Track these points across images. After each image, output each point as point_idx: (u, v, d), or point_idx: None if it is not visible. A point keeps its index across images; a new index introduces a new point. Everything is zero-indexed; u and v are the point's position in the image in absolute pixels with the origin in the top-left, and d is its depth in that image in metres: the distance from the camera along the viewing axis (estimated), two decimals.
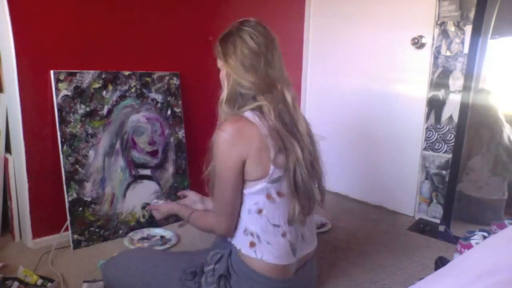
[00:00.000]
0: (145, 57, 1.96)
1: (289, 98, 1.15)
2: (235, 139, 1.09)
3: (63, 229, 1.74)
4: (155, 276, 1.19)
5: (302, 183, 1.12)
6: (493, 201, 2.10)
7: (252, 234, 1.13)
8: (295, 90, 2.90)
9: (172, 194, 2.04)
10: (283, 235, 1.13)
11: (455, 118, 2.02)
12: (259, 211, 1.12)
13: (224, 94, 1.16)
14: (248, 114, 1.12)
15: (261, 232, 1.12)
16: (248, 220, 1.13)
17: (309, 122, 1.24)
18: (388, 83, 2.29)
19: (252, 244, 1.13)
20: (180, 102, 2.06)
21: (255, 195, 1.12)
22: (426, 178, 2.18)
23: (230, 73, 1.14)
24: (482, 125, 2.06)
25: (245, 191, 1.13)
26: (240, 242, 1.15)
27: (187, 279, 1.16)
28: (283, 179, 1.11)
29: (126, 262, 1.25)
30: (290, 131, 1.12)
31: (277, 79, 1.14)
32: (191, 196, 1.48)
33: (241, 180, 1.12)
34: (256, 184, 1.10)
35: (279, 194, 1.12)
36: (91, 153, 1.77)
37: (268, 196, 1.11)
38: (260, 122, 1.10)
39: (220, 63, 1.19)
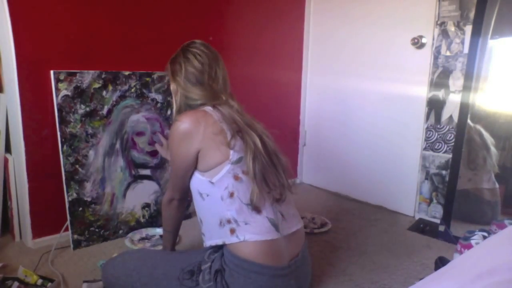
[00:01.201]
0: (145, 57, 1.96)
1: (235, 105, 1.27)
2: (186, 130, 1.21)
3: (63, 229, 1.74)
4: (153, 277, 1.20)
5: (263, 166, 1.20)
6: (487, 191, 2.10)
7: (229, 221, 1.16)
8: (295, 90, 2.91)
9: None
10: (258, 212, 1.18)
11: (455, 118, 2.02)
12: (231, 195, 1.16)
13: (175, 107, 1.33)
14: (205, 107, 1.26)
15: (237, 214, 1.16)
16: (222, 208, 1.17)
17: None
18: (388, 83, 2.29)
19: (232, 231, 1.16)
20: None
21: (223, 179, 1.17)
22: (426, 178, 2.18)
23: (178, 88, 1.30)
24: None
25: (213, 180, 1.18)
26: (219, 236, 1.19)
27: (185, 278, 1.17)
28: (244, 159, 1.19)
29: (124, 263, 1.27)
30: (245, 122, 1.24)
31: (221, 92, 1.29)
32: None
33: (190, 166, 1.24)
34: (221, 168, 1.17)
35: (244, 172, 1.18)
36: (91, 153, 1.77)
37: (236, 177, 1.18)
38: (212, 109, 1.24)
39: (171, 82, 1.34)
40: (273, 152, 1.25)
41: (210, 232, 1.24)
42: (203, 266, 1.18)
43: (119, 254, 1.37)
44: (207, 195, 1.21)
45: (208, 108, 1.25)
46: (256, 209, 1.17)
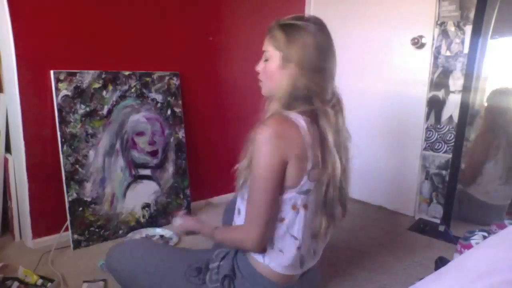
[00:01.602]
0: (145, 57, 1.96)
1: (344, 111, 1.11)
2: (279, 138, 1.00)
3: (63, 229, 1.74)
4: (159, 268, 1.16)
5: (331, 199, 1.09)
6: (498, 206, 2.10)
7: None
8: None
9: (172, 194, 2.04)
10: (298, 248, 1.09)
11: (455, 118, 2.02)
12: (281, 220, 1.07)
13: (279, 90, 1.05)
14: (296, 116, 1.03)
15: (277, 239, 1.08)
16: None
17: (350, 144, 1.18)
18: (388, 83, 2.29)
19: (264, 250, 1.09)
20: (180, 102, 2.06)
21: (281, 203, 1.06)
22: (426, 178, 2.18)
23: (291, 68, 1.03)
24: (500, 129, 2.02)
25: None
26: None
27: (192, 275, 1.13)
28: (312, 192, 1.06)
29: (132, 250, 1.22)
30: (336, 143, 1.07)
31: (329, 88, 1.08)
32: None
33: (280, 185, 1.02)
34: (285, 193, 1.04)
35: (305, 206, 1.07)
36: (91, 153, 1.77)
37: (294, 207, 1.06)
38: (305, 128, 1.02)
39: (273, 53, 1.07)
40: (341, 179, 1.12)
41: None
42: (211, 264, 1.14)
43: (127, 241, 1.32)
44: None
45: (301, 121, 1.03)
46: (301, 244, 1.09)
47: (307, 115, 1.04)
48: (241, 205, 1.15)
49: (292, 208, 1.06)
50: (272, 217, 1.05)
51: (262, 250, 1.07)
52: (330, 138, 1.05)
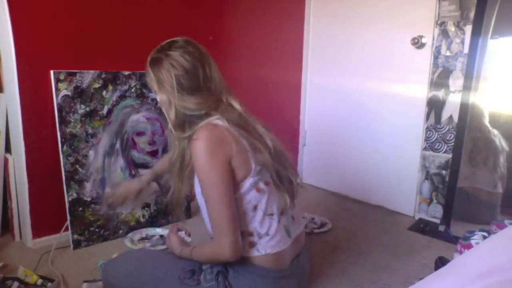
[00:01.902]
0: (145, 57, 1.94)
1: (237, 106, 1.17)
2: (215, 144, 1.08)
3: (63, 229, 1.74)
4: (154, 276, 1.19)
5: (282, 170, 1.18)
6: (485, 194, 2.10)
7: (250, 235, 1.14)
8: (295, 90, 2.91)
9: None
10: (279, 221, 1.16)
11: (455, 118, 2.02)
12: (254, 208, 1.14)
13: (171, 121, 1.14)
14: (216, 121, 1.12)
15: (259, 226, 1.14)
16: (245, 222, 1.14)
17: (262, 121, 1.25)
18: (388, 83, 2.29)
19: (252, 244, 1.14)
20: None
21: (246, 194, 1.13)
22: (426, 178, 2.18)
23: (171, 99, 1.12)
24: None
25: (236, 195, 1.12)
26: None
27: (186, 277, 1.16)
28: (264, 170, 1.14)
29: (125, 263, 1.26)
30: (250, 134, 1.14)
31: (219, 92, 1.16)
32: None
33: (231, 185, 1.09)
34: (244, 183, 1.12)
35: (266, 183, 1.15)
36: (91, 153, 1.77)
37: (258, 189, 1.14)
38: (228, 125, 1.11)
39: (156, 90, 1.17)
40: (280, 151, 1.21)
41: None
42: (204, 265, 1.18)
43: (119, 254, 1.36)
44: None
45: (219, 122, 1.12)
46: (279, 217, 1.16)
47: (220, 119, 1.12)
48: (208, 224, 1.19)
49: (257, 191, 1.13)
50: (235, 220, 1.08)
51: (237, 254, 1.09)
52: (247, 123, 1.14)
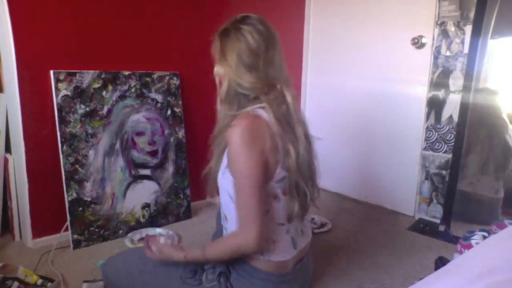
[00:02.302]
0: (145, 57, 1.96)
1: (289, 98, 1.12)
2: (253, 135, 1.04)
3: (63, 229, 1.74)
4: (155, 275, 1.18)
5: (301, 183, 1.13)
6: (486, 198, 2.10)
7: None
8: (295, 89, 2.90)
9: (172, 194, 2.04)
10: (287, 231, 1.15)
11: (455, 118, 2.02)
12: (266, 212, 1.10)
13: (222, 94, 1.12)
14: (259, 110, 1.08)
15: (267, 232, 1.10)
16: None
17: (307, 122, 1.22)
18: (388, 83, 2.29)
19: None
20: (180, 102, 2.06)
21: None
22: (426, 178, 2.18)
23: (229, 71, 1.10)
24: (480, 124, 2.05)
25: None
26: None
27: (188, 276, 1.16)
28: (286, 179, 1.10)
29: (125, 261, 1.25)
30: (288, 133, 1.10)
31: (276, 79, 1.12)
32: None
33: (265, 180, 1.05)
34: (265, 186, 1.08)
35: (284, 193, 1.11)
36: (91, 153, 1.77)
37: (275, 196, 1.10)
38: (270, 120, 1.07)
39: (218, 63, 1.15)
40: (308, 163, 1.16)
41: (231, 230, 1.17)
42: (206, 265, 1.17)
43: (119, 252, 1.36)
44: None
45: (263, 112, 1.08)
46: (288, 228, 1.14)
47: (265, 109, 1.08)
48: (226, 210, 1.17)
49: (273, 198, 1.10)
50: (263, 213, 1.06)
51: (260, 246, 1.07)
52: (280, 129, 1.07)
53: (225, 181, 1.13)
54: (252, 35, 1.10)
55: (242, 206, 1.06)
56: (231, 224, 1.18)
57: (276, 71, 1.12)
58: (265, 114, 1.08)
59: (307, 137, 1.19)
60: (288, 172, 1.09)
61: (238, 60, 1.09)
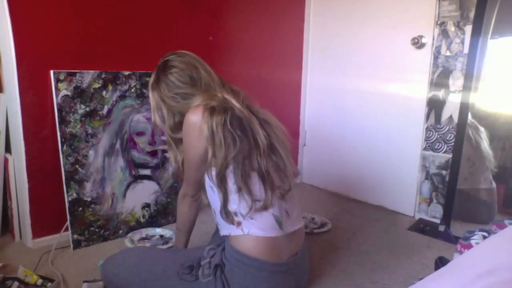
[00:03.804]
0: (145, 57, 1.96)
1: (232, 100, 1.23)
2: (201, 121, 1.18)
3: (63, 229, 1.74)
4: (153, 272, 1.21)
5: (271, 161, 1.21)
6: (484, 191, 2.11)
7: (236, 214, 1.17)
8: (295, 90, 2.89)
9: (172, 194, 2.04)
10: (265, 208, 1.18)
11: (455, 118, 2.02)
12: (239, 189, 1.16)
13: (168, 125, 1.32)
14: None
15: (243, 209, 1.16)
16: (231, 202, 1.18)
17: (270, 117, 1.31)
18: (388, 83, 2.29)
19: (238, 224, 1.18)
20: None
21: (231, 174, 1.16)
22: (426, 178, 2.18)
23: (172, 108, 1.30)
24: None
25: (225, 172, 1.17)
26: (228, 228, 1.20)
27: (185, 272, 1.18)
28: (252, 156, 1.18)
29: (124, 260, 1.27)
30: (244, 129, 1.20)
31: (210, 86, 1.28)
32: None
33: (204, 159, 1.21)
34: (228, 165, 1.16)
35: (252, 169, 1.18)
36: (91, 153, 1.77)
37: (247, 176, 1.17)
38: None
39: (156, 106, 1.33)
40: (277, 138, 1.25)
41: (221, 223, 1.24)
42: (203, 261, 1.19)
43: (118, 251, 1.37)
44: (217, 188, 1.20)
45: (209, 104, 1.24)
46: (264, 206, 1.17)
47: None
48: (213, 204, 1.27)
49: (247, 177, 1.18)
50: (193, 180, 1.31)
51: (184, 200, 1.38)
52: (248, 119, 1.21)
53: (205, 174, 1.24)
54: (177, 76, 1.29)
55: (184, 172, 1.33)
56: (218, 218, 1.24)
57: (210, 85, 1.29)
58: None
59: (266, 128, 1.25)
60: (251, 150, 1.18)
61: (177, 97, 1.28)
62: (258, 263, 1.16)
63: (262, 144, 1.19)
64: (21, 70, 1.62)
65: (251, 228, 1.17)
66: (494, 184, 2.09)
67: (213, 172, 1.18)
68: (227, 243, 1.20)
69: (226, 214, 1.18)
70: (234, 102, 1.22)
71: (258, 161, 1.18)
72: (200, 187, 1.32)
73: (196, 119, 1.19)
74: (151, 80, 1.35)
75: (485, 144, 2.07)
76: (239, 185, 1.16)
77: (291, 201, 1.27)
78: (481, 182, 2.12)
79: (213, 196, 1.24)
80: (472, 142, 2.07)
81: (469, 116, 2.01)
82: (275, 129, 1.27)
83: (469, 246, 1.54)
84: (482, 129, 2.07)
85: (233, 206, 1.18)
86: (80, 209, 1.75)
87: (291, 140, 1.33)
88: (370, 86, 2.37)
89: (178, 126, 1.30)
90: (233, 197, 1.17)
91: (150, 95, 1.34)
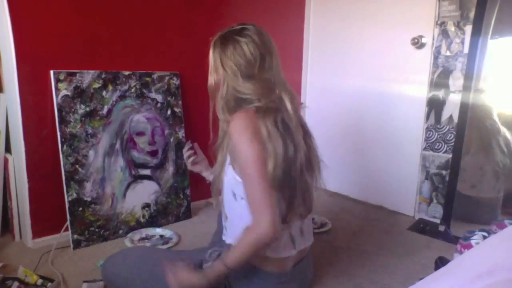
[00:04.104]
0: (145, 57, 1.96)
1: (287, 103, 1.13)
2: (254, 123, 1.07)
3: (63, 229, 1.74)
4: (154, 273, 1.19)
5: (297, 182, 1.13)
6: (488, 199, 2.10)
7: None
8: (295, 89, 2.90)
9: (172, 194, 2.04)
10: (284, 228, 1.13)
11: (455, 118, 2.02)
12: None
13: (221, 101, 1.16)
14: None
15: None
16: (250, 215, 1.10)
17: (308, 127, 1.25)
18: (388, 83, 2.29)
19: None
20: (180, 102, 2.06)
21: None
22: (426, 178, 2.18)
23: (226, 80, 1.14)
24: (472, 125, 2.04)
25: None
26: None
27: None
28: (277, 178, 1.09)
29: (124, 260, 1.26)
30: (283, 134, 1.10)
31: (274, 84, 1.15)
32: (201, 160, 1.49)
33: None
34: None
35: (282, 186, 1.09)
36: (91, 153, 1.77)
37: None
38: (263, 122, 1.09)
39: (214, 67, 1.18)
40: (307, 163, 1.17)
41: (232, 231, 1.18)
42: (205, 265, 1.17)
43: (119, 251, 1.36)
44: (242, 198, 1.11)
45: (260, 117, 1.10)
46: (284, 223, 1.12)
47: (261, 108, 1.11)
48: (228, 209, 1.18)
49: None
50: (276, 198, 1.05)
51: (277, 232, 1.03)
52: (290, 127, 1.10)
53: (228, 178, 1.14)
54: (249, 46, 1.13)
55: (253, 193, 1.05)
56: (232, 223, 1.19)
57: (274, 78, 1.15)
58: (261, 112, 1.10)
59: (307, 140, 1.19)
60: (276, 175, 1.06)
61: (237, 69, 1.12)
62: (264, 274, 1.14)
63: (300, 159, 1.11)
64: (21, 70, 1.62)
65: (268, 250, 1.12)
66: (501, 194, 2.08)
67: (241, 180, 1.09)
68: None
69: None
70: (288, 104, 1.13)
71: (292, 177, 1.10)
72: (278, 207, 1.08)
73: (247, 122, 1.07)
74: (215, 37, 1.20)
75: (506, 154, 2.05)
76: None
77: (307, 219, 1.26)
78: (488, 191, 2.11)
79: (234, 204, 1.16)
80: (493, 149, 2.05)
81: (497, 121, 1.99)
82: (314, 143, 1.22)
83: (469, 246, 1.54)
84: (507, 135, 2.04)
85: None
86: (80, 209, 1.75)
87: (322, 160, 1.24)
88: (370, 86, 2.37)
89: (229, 109, 1.16)
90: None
91: (211, 53, 1.19)
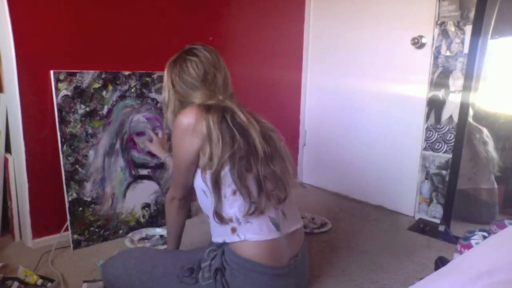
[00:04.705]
0: (145, 57, 1.96)
1: (233, 106, 1.22)
2: (194, 123, 1.19)
3: (63, 229, 1.74)
4: (153, 274, 1.20)
5: (267, 165, 1.20)
6: (486, 192, 2.11)
7: (230, 220, 1.17)
8: (295, 90, 2.90)
9: None
10: (261, 212, 1.17)
11: (455, 118, 2.02)
12: (234, 192, 1.16)
13: (171, 114, 1.32)
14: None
15: (239, 212, 1.16)
16: (225, 206, 1.17)
17: (266, 123, 1.30)
18: (388, 83, 2.29)
19: (233, 230, 1.17)
20: None
21: (226, 177, 1.16)
22: (426, 178, 2.18)
23: (176, 95, 1.31)
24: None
25: (221, 174, 1.16)
26: (221, 234, 1.20)
27: (185, 275, 1.18)
28: (247, 159, 1.18)
29: (124, 261, 1.27)
30: (245, 120, 1.21)
31: (218, 93, 1.28)
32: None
33: (194, 163, 1.23)
34: (223, 167, 1.16)
35: (248, 170, 1.17)
36: (91, 153, 1.77)
37: (234, 192, 1.17)
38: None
39: (165, 84, 1.35)
40: (278, 148, 1.25)
41: (214, 229, 1.24)
42: (203, 264, 1.19)
43: (118, 252, 1.37)
44: (210, 193, 1.19)
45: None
46: (259, 210, 1.16)
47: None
48: (203, 207, 1.30)
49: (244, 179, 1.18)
50: (182, 183, 1.31)
51: (171, 204, 1.37)
52: (246, 126, 1.21)
53: (196, 177, 1.25)
54: (192, 64, 1.29)
55: (172, 175, 1.35)
56: (211, 224, 1.25)
57: (219, 90, 1.29)
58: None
59: (267, 136, 1.25)
60: (245, 153, 1.18)
61: (183, 84, 1.29)
62: (259, 267, 1.15)
63: (260, 151, 1.19)
64: (21, 70, 1.62)
65: (247, 233, 1.16)
66: (496, 185, 2.09)
67: (208, 175, 1.17)
68: (227, 247, 1.19)
69: (220, 218, 1.17)
70: (235, 108, 1.22)
71: (255, 165, 1.18)
72: (188, 191, 1.33)
73: (189, 120, 1.19)
74: (171, 58, 1.35)
75: (489, 146, 2.07)
76: (236, 184, 1.15)
77: (288, 202, 1.27)
78: (484, 182, 2.12)
79: (206, 201, 1.23)
80: (474, 143, 2.07)
81: (470, 118, 2.01)
82: (277, 141, 1.27)
83: (469, 246, 1.54)
84: (484, 130, 2.07)
85: (228, 210, 1.17)
86: (80, 209, 1.75)
87: (292, 154, 1.33)
88: (370, 86, 2.37)
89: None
90: (228, 200, 1.17)
91: (165, 72, 1.35)
